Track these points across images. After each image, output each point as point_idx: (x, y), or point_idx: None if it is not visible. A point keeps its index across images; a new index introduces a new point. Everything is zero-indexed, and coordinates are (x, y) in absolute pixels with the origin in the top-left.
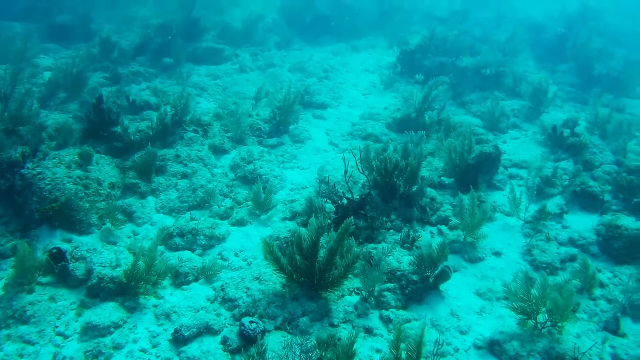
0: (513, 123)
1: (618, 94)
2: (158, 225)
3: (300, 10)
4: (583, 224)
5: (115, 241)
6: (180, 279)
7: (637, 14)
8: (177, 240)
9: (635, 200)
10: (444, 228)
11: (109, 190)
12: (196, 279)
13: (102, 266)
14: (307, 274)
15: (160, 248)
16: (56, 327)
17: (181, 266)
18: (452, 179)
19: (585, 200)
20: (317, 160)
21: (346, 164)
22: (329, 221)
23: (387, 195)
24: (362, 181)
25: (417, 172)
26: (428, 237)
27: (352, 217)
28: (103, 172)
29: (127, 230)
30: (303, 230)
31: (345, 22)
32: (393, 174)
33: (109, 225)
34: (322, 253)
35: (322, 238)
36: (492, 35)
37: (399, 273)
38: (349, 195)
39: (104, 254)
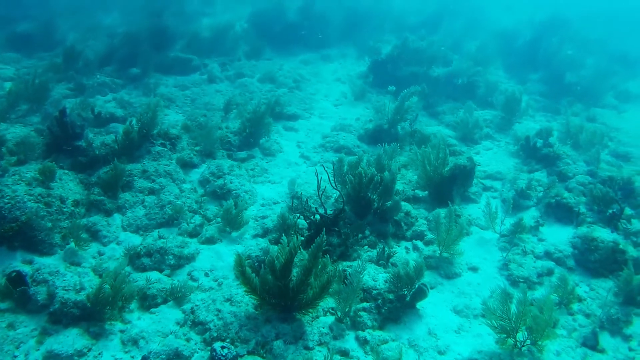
0: (486, 133)
1: (588, 103)
2: (125, 245)
3: (270, 19)
4: (559, 236)
5: (79, 262)
6: (148, 301)
7: (605, 22)
8: (145, 260)
9: (610, 211)
10: (419, 243)
11: (72, 208)
12: (165, 302)
13: (66, 290)
14: (281, 295)
15: (127, 269)
16: (15, 357)
17: (149, 288)
18: (427, 192)
19: (561, 212)
20: (289, 174)
21: (319, 178)
22: (302, 238)
23: (360, 210)
24: (335, 195)
25: (392, 186)
26: (403, 253)
27: (324, 235)
28: (67, 188)
29: (93, 250)
30: (275, 248)
31: (316, 31)
32: (367, 188)
33: (72, 245)
34: (295, 272)
35: (295, 257)
36: (464, 43)
37: (374, 292)
38: (322, 211)
39: (67, 276)
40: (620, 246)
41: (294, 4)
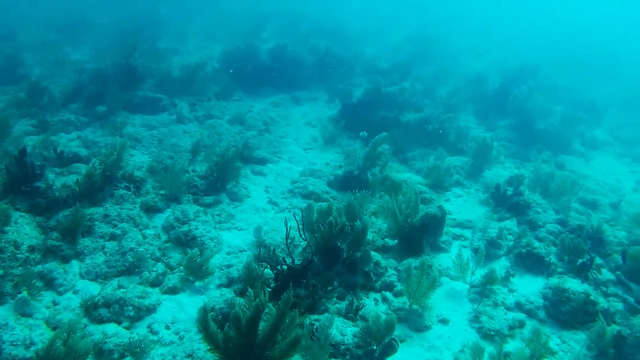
0: (456, 180)
1: (556, 150)
2: (82, 294)
3: (241, 60)
4: (530, 287)
5: (31, 313)
6: (104, 357)
7: (573, 69)
8: (103, 311)
9: (580, 261)
10: (388, 295)
11: (27, 254)
12: (122, 357)
13: (14, 345)
14: (246, 352)
15: (84, 320)
16: None
17: (105, 342)
18: (396, 241)
19: (531, 262)
20: (256, 220)
21: (287, 228)
22: (269, 289)
23: (329, 259)
24: (303, 244)
25: (363, 236)
26: (372, 305)
27: (292, 290)
28: (22, 233)
29: (47, 300)
30: (241, 301)
31: (287, 73)
32: (337, 238)
33: (25, 294)
34: (262, 327)
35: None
36: (435, 89)
37: (342, 347)
38: (289, 261)
39: (16, 329)
40: (592, 297)
41: (266, 44)
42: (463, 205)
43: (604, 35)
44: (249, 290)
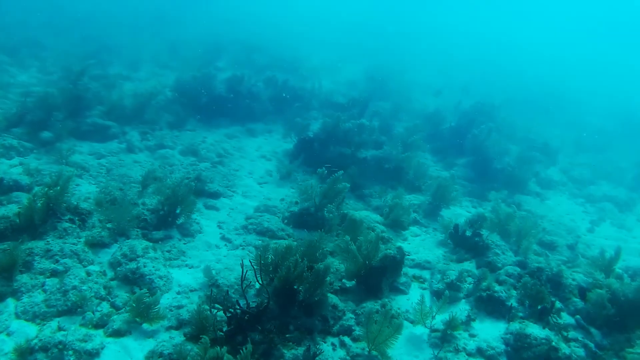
0: (414, 219)
1: (513, 189)
2: (17, 335)
3: (195, 89)
4: (491, 332)
5: None
6: None
7: (525, 109)
8: (40, 356)
9: (540, 307)
10: (346, 339)
11: None
12: None
13: None
14: None
15: None
16: None
17: None
18: (354, 282)
19: (492, 306)
20: (209, 258)
21: (243, 269)
22: (222, 333)
23: (285, 302)
24: (257, 285)
25: (323, 280)
26: (330, 351)
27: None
28: None
29: None
30: (192, 349)
31: (242, 105)
32: (296, 281)
33: None
34: None
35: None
36: (392, 125)
37: None
38: (243, 304)
39: None
40: (553, 344)
41: (222, 75)
42: (421, 245)
43: (553, 75)
44: (204, 337)
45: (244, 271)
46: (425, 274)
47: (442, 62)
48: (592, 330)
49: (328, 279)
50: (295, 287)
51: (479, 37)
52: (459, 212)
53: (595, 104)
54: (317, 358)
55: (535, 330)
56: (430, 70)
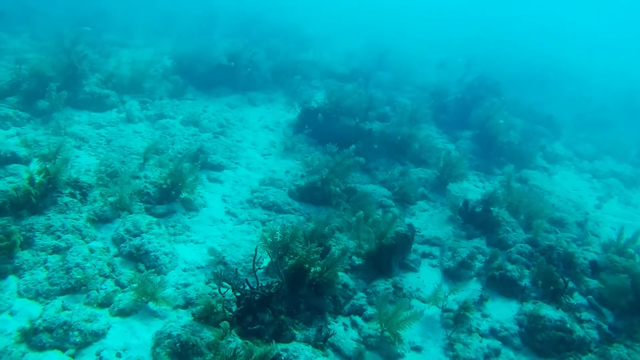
0: (421, 193)
1: (519, 164)
2: (20, 315)
3: (195, 57)
4: (504, 312)
5: None
6: None
7: (527, 82)
8: (44, 336)
9: (552, 287)
10: (358, 319)
11: None
12: None
13: None
14: None
15: (22, 347)
16: None
17: None
18: (363, 260)
19: (504, 286)
20: (214, 233)
21: (256, 254)
22: (230, 314)
23: (294, 282)
24: (265, 263)
25: (336, 264)
26: (342, 331)
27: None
28: None
29: None
30: (202, 330)
31: (243, 74)
32: (306, 262)
33: None
34: None
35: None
36: (395, 96)
37: None
38: (252, 281)
39: None
40: (567, 325)
41: (221, 43)
42: (430, 221)
43: (552, 49)
44: (224, 323)
45: (257, 257)
46: (435, 251)
47: (442, 38)
48: (604, 310)
49: (338, 255)
50: (305, 266)
51: (480, 12)
52: (466, 187)
53: (595, 78)
54: (329, 339)
55: (549, 311)
56: (429, 46)
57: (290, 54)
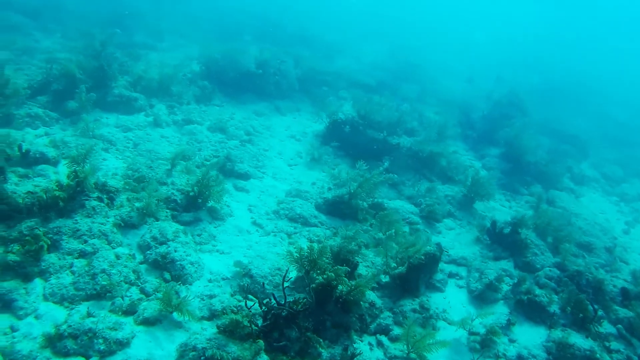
0: (448, 211)
1: (546, 184)
2: (45, 319)
3: (223, 62)
4: (531, 338)
5: None
6: None
7: (551, 99)
8: (69, 342)
9: (581, 315)
10: (384, 339)
11: None
12: None
13: None
14: None
15: (46, 353)
16: None
17: None
18: (388, 278)
19: (532, 311)
20: (239, 243)
21: (285, 274)
22: (257, 329)
23: (321, 297)
24: (292, 277)
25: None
26: (367, 351)
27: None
28: None
29: (4, 324)
30: (227, 345)
31: (271, 82)
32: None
33: None
34: None
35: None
36: (423, 110)
37: None
38: (279, 296)
39: None
40: (597, 355)
41: (249, 50)
42: (456, 240)
43: (577, 64)
44: (259, 342)
45: (286, 274)
46: (462, 271)
47: (465, 48)
48: (634, 341)
49: (364, 271)
50: (333, 283)
51: (504, 24)
52: (493, 206)
53: (620, 95)
54: (355, 359)
55: (578, 340)
56: (453, 55)
57: (316, 62)
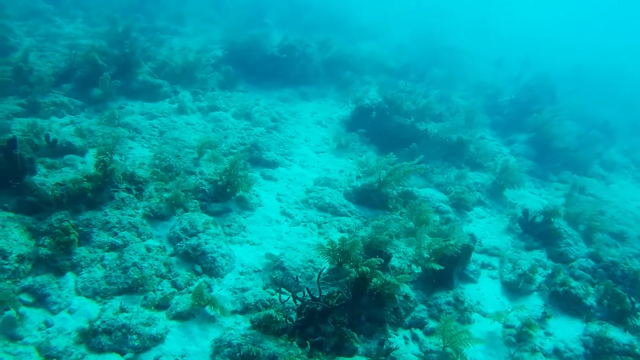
0: (478, 199)
1: (576, 170)
2: (78, 314)
3: (247, 48)
4: (567, 331)
5: (21, 336)
6: None
7: (579, 85)
8: (103, 338)
9: (618, 307)
10: (419, 333)
11: (16, 265)
12: None
13: None
14: None
15: (81, 349)
16: None
17: None
18: (420, 269)
19: (567, 303)
20: (270, 234)
21: (320, 271)
22: (291, 323)
23: (355, 291)
24: (324, 269)
25: (396, 290)
26: (402, 344)
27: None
28: (10, 239)
29: (38, 319)
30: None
31: (295, 66)
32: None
33: (13, 313)
34: None
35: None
36: (450, 95)
37: None
38: (313, 291)
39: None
40: (637, 350)
41: (272, 35)
42: (487, 229)
43: (606, 50)
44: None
45: (320, 274)
46: (494, 261)
47: (492, 32)
48: None
49: (397, 263)
50: (367, 276)
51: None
52: (522, 193)
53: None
54: (391, 353)
55: (616, 334)
56: (479, 39)
57: (342, 46)
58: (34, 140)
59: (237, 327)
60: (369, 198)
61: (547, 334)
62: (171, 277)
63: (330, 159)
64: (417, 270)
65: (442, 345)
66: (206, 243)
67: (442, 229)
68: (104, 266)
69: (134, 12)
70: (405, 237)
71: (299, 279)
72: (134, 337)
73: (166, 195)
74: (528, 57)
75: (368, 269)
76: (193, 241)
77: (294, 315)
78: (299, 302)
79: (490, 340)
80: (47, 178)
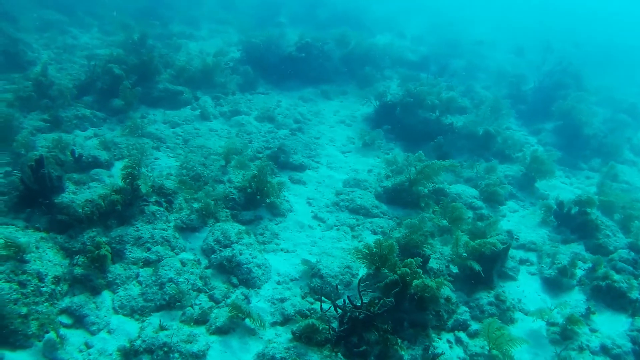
0: (509, 192)
1: (606, 157)
2: (118, 333)
3: (263, 48)
4: (613, 327)
5: (63, 359)
6: None
7: (602, 67)
8: (145, 358)
9: None
10: (462, 336)
11: (53, 286)
12: None
13: None
14: None
15: None
16: None
17: None
18: (460, 269)
19: (611, 298)
20: (303, 240)
21: (359, 283)
22: (334, 333)
23: (396, 295)
24: (361, 274)
25: (438, 292)
26: (447, 349)
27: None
28: (45, 260)
29: (78, 341)
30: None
31: (314, 65)
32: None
33: (53, 335)
34: None
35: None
36: (472, 86)
37: None
38: (356, 302)
39: None
40: None
41: (289, 34)
42: (521, 223)
43: (630, 30)
44: None
45: (360, 283)
46: (532, 257)
47: (510, 20)
48: None
49: (435, 265)
50: (407, 279)
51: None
52: (554, 184)
53: None
54: (437, 359)
55: None
56: (496, 28)
57: (359, 41)
58: (59, 156)
59: (279, 339)
60: (401, 197)
61: (593, 330)
62: (208, 290)
63: (357, 158)
64: (454, 270)
65: (488, 348)
66: (241, 254)
67: (478, 226)
68: (139, 283)
69: (146, 18)
70: (440, 236)
71: (336, 285)
72: (176, 355)
73: (196, 205)
74: (549, 42)
75: (408, 270)
76: (227, 252)
77: (334, 324)
78: (339, 311)
79: (535, 339)
80: (76, 195)
